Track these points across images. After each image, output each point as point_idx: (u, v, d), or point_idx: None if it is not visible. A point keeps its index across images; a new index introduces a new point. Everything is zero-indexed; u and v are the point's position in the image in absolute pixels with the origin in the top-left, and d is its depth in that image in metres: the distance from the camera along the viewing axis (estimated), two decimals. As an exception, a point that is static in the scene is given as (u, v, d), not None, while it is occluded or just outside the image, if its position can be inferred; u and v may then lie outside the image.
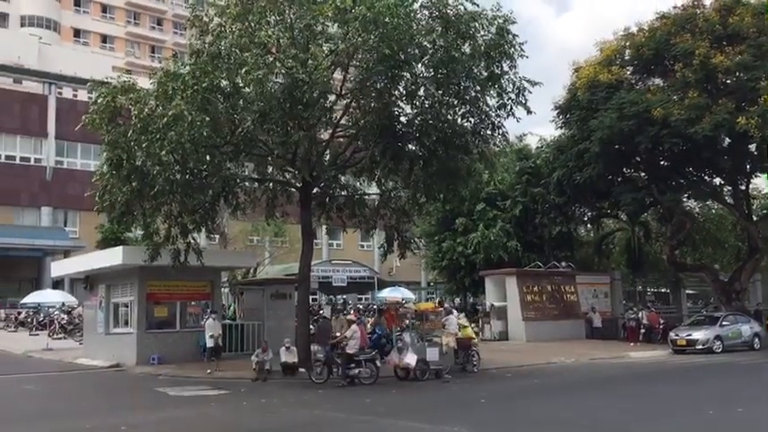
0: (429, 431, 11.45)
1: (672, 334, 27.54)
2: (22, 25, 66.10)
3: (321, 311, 35.62)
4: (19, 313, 37.29)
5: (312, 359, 19.06)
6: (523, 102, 19.48)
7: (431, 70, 18.88)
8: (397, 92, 19.40)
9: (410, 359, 18.31)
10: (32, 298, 38.80)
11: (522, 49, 19.15)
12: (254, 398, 15.62)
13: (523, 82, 19.32)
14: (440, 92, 19.01)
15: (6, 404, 15.47)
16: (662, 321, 30.93)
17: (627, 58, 31.34)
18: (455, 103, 19.48)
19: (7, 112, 48.47)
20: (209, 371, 19.55)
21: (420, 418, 12.62)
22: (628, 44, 31.09)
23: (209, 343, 20.20)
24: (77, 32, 70.35)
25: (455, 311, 22.01)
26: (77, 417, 13.32)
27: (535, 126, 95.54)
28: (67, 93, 53.39)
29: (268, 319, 24.07)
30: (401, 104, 20.12)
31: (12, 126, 48.69)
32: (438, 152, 19.64)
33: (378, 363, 18.02)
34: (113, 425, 12.14)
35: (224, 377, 18.98)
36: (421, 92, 19.40)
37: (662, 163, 31.44)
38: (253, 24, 17.89)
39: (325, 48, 18.64)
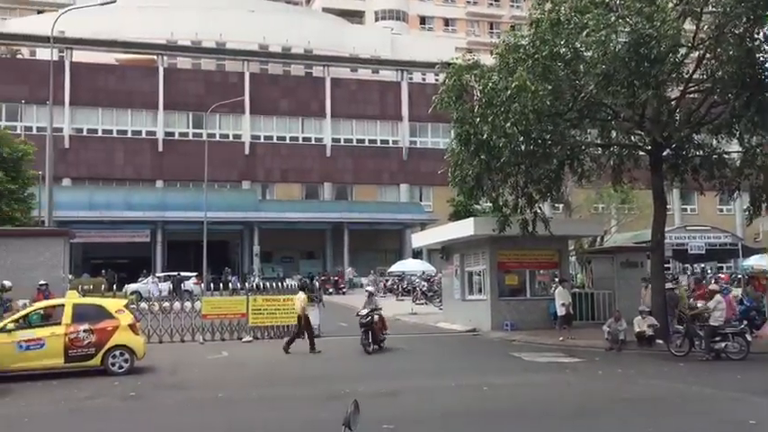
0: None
1: None
2: (376, 20, 73.26)
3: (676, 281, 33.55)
4: (387, 281, 41.64)
5: (671, 330, 18.05)
6: None
7: (806, 4, 16.32)
8: (761, 35, 17.21)
9: (789, 334, 16.28)
10: (397, 267, 43.29)
11: None
12: (609, 367, 15.32)
13: None
14: (818, 28, 16.39)
15: (398, 360, 17.44)
16: None
17: None
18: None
19: (368, 100, 54.78)
20: (561, 338, 19.68)
21: (806, 400, 11.18)
22: None
23: (560, 311, 20.31)
24: (423, 20, 75.63)
25: None
26: (443, 375, 14.47)
27: None
28: (416, 78, 57.90)
29: (619, 288, 23.38)
30: (767, 49, 17.80)
31: (372, 113, 54.82)
32: (819, 99, 16.98)
33: (748, 337, 16.35)
34: (475, 384, 12.93)
35: (576, 345, 18.94)
36: (793, 31, 16.93)
37: None
38: (593, -16, 17.30)
39: (672, -3, 17.27)
